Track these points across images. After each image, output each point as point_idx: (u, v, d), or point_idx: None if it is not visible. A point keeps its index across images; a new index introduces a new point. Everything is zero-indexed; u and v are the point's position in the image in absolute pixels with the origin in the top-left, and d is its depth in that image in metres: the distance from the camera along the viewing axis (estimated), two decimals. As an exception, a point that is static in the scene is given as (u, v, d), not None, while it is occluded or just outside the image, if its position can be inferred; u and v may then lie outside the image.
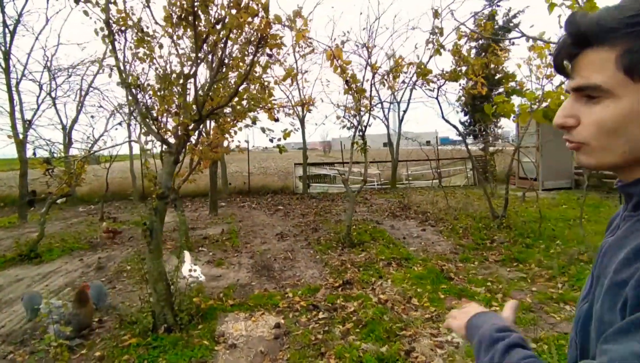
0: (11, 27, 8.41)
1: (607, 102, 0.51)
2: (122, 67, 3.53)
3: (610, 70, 0.50)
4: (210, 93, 3.73)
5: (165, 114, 3.63)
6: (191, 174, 6.62)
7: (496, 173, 14.54)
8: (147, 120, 3.54)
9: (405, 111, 12.66)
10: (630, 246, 0.50)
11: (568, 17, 0.54)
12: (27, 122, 8.23)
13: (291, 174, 15.55)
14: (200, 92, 3.75)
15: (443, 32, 6.33)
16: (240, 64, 3.78)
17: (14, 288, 4.79)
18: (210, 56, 3.78)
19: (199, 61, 3.51)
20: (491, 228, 6.83)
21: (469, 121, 14.65)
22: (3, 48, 8.53)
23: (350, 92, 4.02)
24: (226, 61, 3.77)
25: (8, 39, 8.39)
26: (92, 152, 6.19)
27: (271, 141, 4.97)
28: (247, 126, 4.93)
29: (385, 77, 6.59)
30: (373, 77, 6.22)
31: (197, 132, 6.38)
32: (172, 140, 3.76)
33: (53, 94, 10.73)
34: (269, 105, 5.25)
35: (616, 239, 0.56)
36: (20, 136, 8.85)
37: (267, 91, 4.39)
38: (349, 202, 6.66)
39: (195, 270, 4.19)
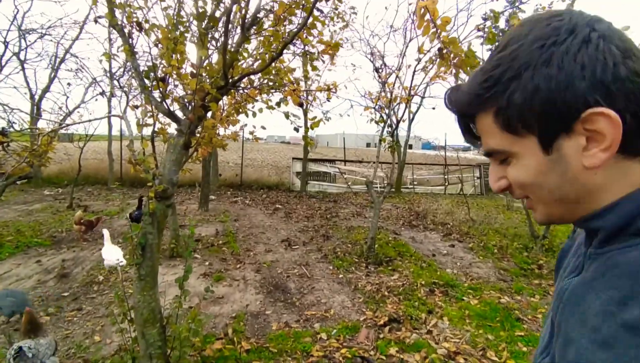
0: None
1: (514, 161, 0.50)
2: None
3: (496, 132, 0.49)
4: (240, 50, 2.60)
5: (173, 76, 2.46)
6: (186, 161, 5.43)
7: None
8: (149, 81, 2.37)
9: (418, 108, 11.70)
10: (606, 293, 0.42)
11: (445, 95, 0.55)
12: None
13: (286, 170, 14.42)
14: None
15: (499, 18, 5.36)
16: (285, 14, 2.66)
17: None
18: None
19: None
20: (531, 249, 5.96)
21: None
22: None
23: (449, 67, 2.99)
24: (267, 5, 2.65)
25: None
26: (63, 125, 4.93)
27: (296, 130, 3.88)
28: (270, 107, 3.80)
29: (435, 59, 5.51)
30: (418, 62, 5.19)
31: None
32: (179, 114, 2.62)
33: (22, 56, 9.18)
34: (294, 85, 4.15)
35: (583, 282, 0.48)
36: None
37: (309, 63, 3.28)
38: (374, 209, 5.63)
39: (119, 260, 3.92)
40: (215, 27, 2.34)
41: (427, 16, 2.62)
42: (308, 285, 4.34)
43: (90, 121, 4.98)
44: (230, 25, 2.44)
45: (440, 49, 2.58)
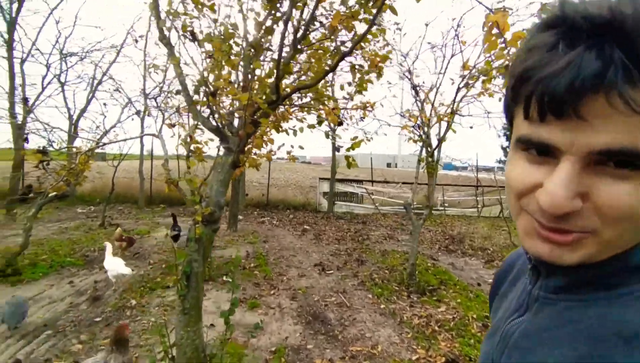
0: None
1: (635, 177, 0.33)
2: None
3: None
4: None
5: (221, 91, 2.32)
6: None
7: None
8: (198, 96, 2.23)
9: (448, 127, 11.32)
10: (561, 351, 0.38)
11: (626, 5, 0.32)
12: (27, 102, 6.93)
13: (310, 190, 14.26)
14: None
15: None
16: (341, 24, 2.49)
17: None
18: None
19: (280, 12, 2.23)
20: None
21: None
22: (7, 17, 7.37)
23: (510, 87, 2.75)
24: (321, 16, 2.50)
25: (15, 6, 7.22)
26: (100, 144, 4.95)
27: (337, 150, 3.69)
28: (310, 126, 3.62)
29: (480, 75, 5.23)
30: (463, 79, 4.94)
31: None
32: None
33: (62, 78, 9.52)
34: (332, 102, 3.97)
35: (534, 330, 0.44)
36: (20, 121, 7.59)
37: (357, 78, 3.10)
38: (413, 233, 5.31)
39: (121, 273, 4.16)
40: (268, 39, 2.19)
41: (495, 30, 2.39)
42: (349, 316, 4.03)
43: (126, 140, 5.00)
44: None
45: (508, 66, 2.34)
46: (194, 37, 2.00)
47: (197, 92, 2.19)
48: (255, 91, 2.24)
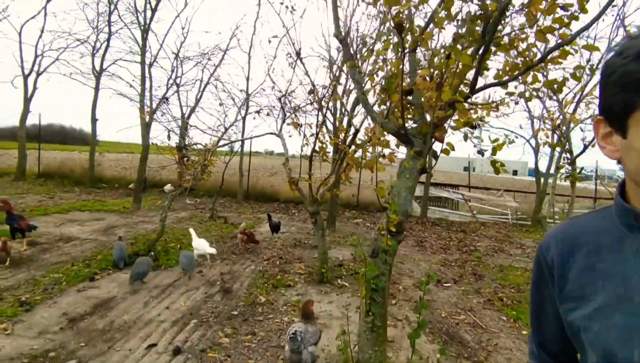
0: (153, 3, 8.03)
1: None
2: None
3: None
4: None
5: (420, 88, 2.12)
6: (338, 180, 5.24)
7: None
8: (387, 93, 2.06)
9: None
10: None
11: None
12: (167, 101, 7.65)
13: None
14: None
15: None
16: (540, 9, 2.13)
17: (128, 306, 3.71)
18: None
19: None
20: None
21: None
22: (142, 25, 8.19)
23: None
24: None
25: (149, 14, 8.01)
26: (230, 141, 5.23)
27: (481, 153, 3.30)
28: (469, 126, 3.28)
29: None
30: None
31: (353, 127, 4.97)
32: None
33: (178, 81, 10.40)
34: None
35: None
36: (147, 119, 8.42)
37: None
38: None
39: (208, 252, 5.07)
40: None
41: None
42: (487, 340, 3.63)
43: (251, 138, 5.19)
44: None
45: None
46: (400, 29, 1.82)
47: (388, 89, 2.02)
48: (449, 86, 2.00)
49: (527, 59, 2.21)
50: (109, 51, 10.96)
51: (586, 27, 1.93)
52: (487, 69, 2.10)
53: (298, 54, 4.64)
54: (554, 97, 5.33)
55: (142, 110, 8.22)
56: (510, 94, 2.39)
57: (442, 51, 1.94)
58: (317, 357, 2.72)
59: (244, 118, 10.37)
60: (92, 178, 11.85)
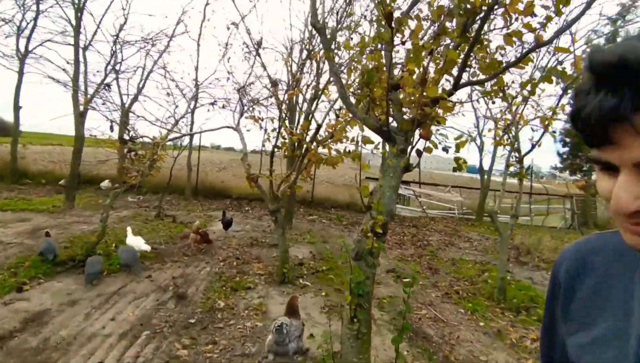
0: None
1: None
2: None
3: None
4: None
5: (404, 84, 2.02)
6: (298, 177, 5.08)
7: (595, 217, 12.48)
8: (366, 90, 1.94)
9: (546, 129, 10.80)
10: None
11: (627, 51, 0.39)
12: (109, 88, 6.85)
13: (348, 188, 13.93)
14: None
15: None
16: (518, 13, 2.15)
17: (66, 319, 3.26)
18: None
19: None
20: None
21: (569, 153, 12.57)
22: (76, 3, 7.33)
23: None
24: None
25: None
26: (182, 135, 4.80)
27: (445, 151, 3.35)
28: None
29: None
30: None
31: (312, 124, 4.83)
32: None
33: (118, 67, 9.50)
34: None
35: None
36: (81, 108, 7.57)
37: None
38: (501, 245, 4.93)
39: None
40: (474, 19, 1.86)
41: None
42: (449, 333, 3.71)
43: (202, 132, 4.80)
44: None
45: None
46: (390, 20, 1.69)
47: (367, 83, 1.90)
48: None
49: (501, 59, 2.22)
50: (36, 31, 9.71)
51: (563, 30, 1.96)
52: (470, 66, 2.07)
53: (259, 44, 4.39)
54: (500, 98, 5.60)
55: (75, 97, 7.37)
56: (487, 93, 2.40)
57: (430, 43, 1.86)
58: (303, 349, 2.85)
59: (192, 111, 9.77)
60: (14, 173, 10.48)
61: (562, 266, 0.65)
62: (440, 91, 1.97)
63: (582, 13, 1.81)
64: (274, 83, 4.38)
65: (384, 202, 1.89)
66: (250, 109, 4.98)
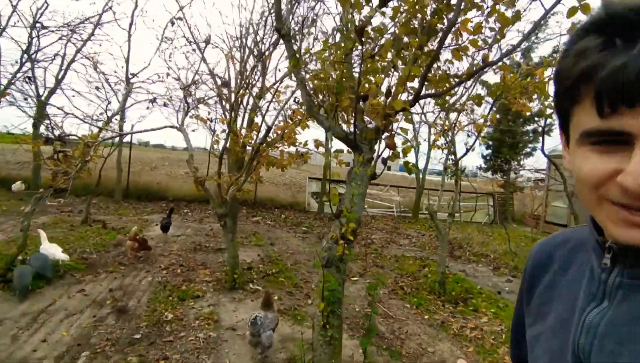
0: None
1: None
2: None
3: None
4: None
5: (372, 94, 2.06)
6: (247, 180, 4.97)
7: (512, 212, 13.96)
8: (332, 98, 1.97)
9: (479, 134, 11.66)
10: None
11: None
12: (30, 81, 5.97)
13: (294, 188, 13.98)
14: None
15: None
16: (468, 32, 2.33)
17: (-14, 345, 2.84)
18: None
19: None
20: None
21: (491, 155, 13.95)
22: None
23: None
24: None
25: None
26: (120, 134, 4.35)
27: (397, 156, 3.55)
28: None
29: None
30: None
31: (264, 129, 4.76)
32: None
33: (34, 55, 8.43)
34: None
35: (629, 317, 0.45)
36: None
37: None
38: (441, 242, 5.31)
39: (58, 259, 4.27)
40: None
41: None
42: (399, 328, 3.91)
43: (146, 131, 4.37)
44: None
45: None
46: (361, 34, 1.72)
47: (339, 92, 1.92)
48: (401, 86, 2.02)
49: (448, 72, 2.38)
50: None
51: (511, 51, 2.17)
52: (428, 80, 2.20)
53: (206, 42, 4.19)
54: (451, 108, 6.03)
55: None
56: (442, 104, 2.56)
57: (395, 57, 1.94)
58: (272, 342, 2.92)
59: (122, 108, 8.99)
60: None
61: (527, 264, 0.66)
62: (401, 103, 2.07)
63: (521, 41, 2.02)
64: (225, 83, 4.22)
65: (354, 209, 1.93)
66: (195, 108, 4.75)
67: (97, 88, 6.86)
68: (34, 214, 7.36)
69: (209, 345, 3.15)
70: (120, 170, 10.18)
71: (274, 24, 2.09)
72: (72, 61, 9.51)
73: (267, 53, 5.12)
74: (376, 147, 2.13)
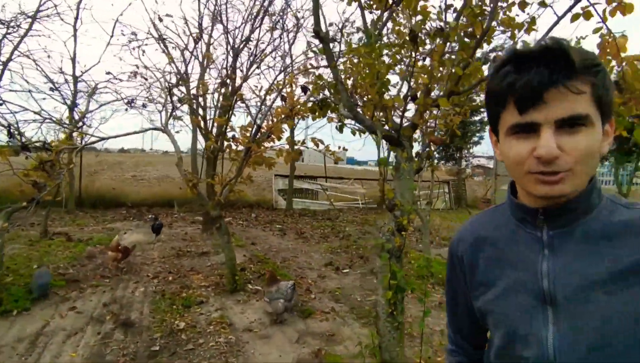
0: None
1: (588, 131, 0.58)
2: None
3: (588, 101, 0.58)
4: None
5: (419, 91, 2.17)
6: (237, 181, 4.92)
7: (465, 198, 15.02)
8: (359, 100, 2.07)
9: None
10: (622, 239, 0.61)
11: (554, 43, 0.58)
12: None
13: (260, 186, 13.81)
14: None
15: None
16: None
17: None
18: None
19: None
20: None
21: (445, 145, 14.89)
22: None
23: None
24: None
25: None
26: (101, 139, 4.01)
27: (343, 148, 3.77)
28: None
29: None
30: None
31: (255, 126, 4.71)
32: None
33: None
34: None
35: (576, 250, 0.63)
36: None
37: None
38: (423, 229, 5.64)
39: None
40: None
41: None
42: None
43: (128, 134, 4.09)
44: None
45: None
46: (415, 40, 1.82)
47: (381, 91, 2.02)
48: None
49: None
50: None
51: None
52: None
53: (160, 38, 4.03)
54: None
55: None
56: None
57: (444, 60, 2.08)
58: (279, 307, 3.53)
59: (86, 110, 8.25)
60: None
61: (459, 247, 0.79)
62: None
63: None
64: (223, 83, 4.10)
65: (404, 203, 2.06)
66: (180, 109, 4.57)
67: (51, 89, 6.22)
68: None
69: (232, 348, 3.11)
70: (73, 177, 9.38)
71: (313, 27, 2.11)
72: (10, 59, 8.55)
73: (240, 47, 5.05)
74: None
